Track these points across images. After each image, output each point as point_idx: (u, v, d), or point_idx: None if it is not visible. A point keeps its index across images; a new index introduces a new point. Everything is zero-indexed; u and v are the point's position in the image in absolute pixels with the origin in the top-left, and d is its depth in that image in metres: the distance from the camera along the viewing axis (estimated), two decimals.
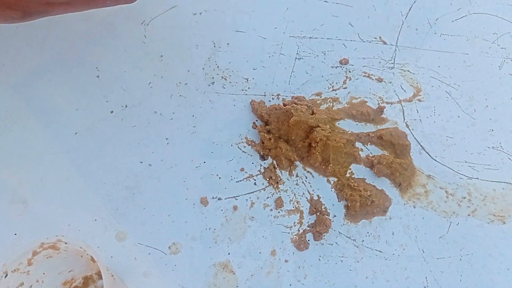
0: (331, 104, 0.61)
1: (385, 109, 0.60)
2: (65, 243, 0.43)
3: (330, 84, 0.62)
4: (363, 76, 0.63)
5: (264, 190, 0.57)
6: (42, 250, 0.43)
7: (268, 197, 0.57)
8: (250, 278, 0.54)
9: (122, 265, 0.55)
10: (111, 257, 0.55)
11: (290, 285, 0.54)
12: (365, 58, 0.64)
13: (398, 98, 0.61)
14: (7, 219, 0.56)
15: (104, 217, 0.56)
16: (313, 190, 0.57)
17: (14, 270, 0.43)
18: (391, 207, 0.56)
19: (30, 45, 0.64)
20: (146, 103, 0.61)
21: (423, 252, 0.55)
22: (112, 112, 0.61)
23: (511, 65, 0.63)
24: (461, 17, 0.66)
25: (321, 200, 0.57)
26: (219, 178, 0.58)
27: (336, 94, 0.62)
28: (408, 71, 0.63)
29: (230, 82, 0.62)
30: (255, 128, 0.60)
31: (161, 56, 0.64)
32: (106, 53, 0.63)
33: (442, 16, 0.66)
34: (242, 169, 0.58)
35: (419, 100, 0.61)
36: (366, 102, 0.61)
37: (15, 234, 0.56)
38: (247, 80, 0.62)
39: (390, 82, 0.62)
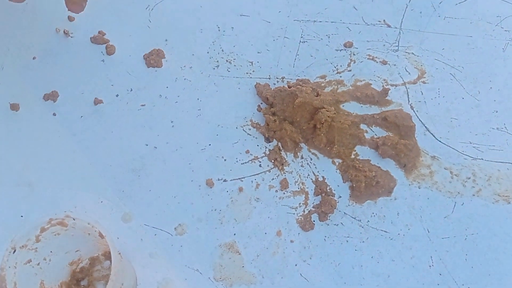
0: (336, 86, 0.61)
1: (389, 91, 0.60)
2: (73, 219, 0.43)
3: (335, 67, 0.62)
4: (368, 59, 0.63)
5: (269, 171, 0.58)
6: (50, 227, 0.43)
7: (273, 179, 0.57)
8: (256, 258, 0.54)
9: (129, 246, 0.55)
10: (118, 238, 0.55)
11: (296, 265, 0.54)
12: (369, 41, 0.64)
13: (403, 80, 0.61)
14: (14, 202, 0.56)
15: (110, 198, 0.56)
16: (318, 172, 0.58)
17: (22, 246, 0.43)
18: (396, 188, 0.57)
19: (35, 29, 0.64)
20: (151, 87, 0.62)
21: (428, 232, 0.55)
22: (117, 95, 0.61)
23: None
24: (465, 0, 0.66)
25: (326, 181, 0.57)
26: (225, 160, 0.58)
27: (340, 76, 0.62)
28: (413, 53, 0.63)
29: (235, 66, 0.62)
30: (259, 111, 0.60)
31: (166, 40, 0.64)
32: (112, 38, 0.64)
33: None
34: (247, 151, 0.58)
35: (424, 82, 0.61)
36: (371, 84, 0.61)
37: (22, 216, 0.56)
38: (252, 64, 0.63)
39: (395, 65, 0.62)
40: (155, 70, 0.62)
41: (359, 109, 0.60)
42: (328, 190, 0.57)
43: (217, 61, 0.63)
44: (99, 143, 0.59)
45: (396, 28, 0.64)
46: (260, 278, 0.54)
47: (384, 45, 0.64)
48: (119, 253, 0.46)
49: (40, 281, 0.46)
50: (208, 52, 0.63)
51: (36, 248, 0.44)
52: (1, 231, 0.54)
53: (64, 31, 0.64)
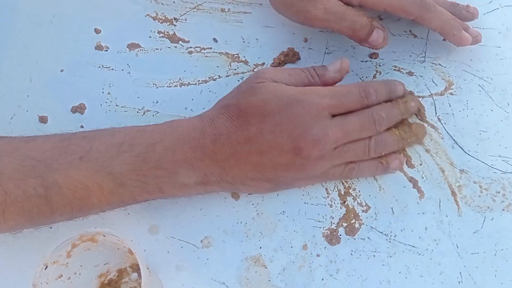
0: None
1: None
2: (103, 236, 0.43)
3: (360, 78, 0.62)
4: (393, 70, 0.62)
5: None
6: (81, 243, 0.44)
7: (298, 191, 0.57)
8: (282, 272, 0.54)
9: (156, 258, 0.55)
10: (144, 250, 0.56)
11: (322, 279, 0.54)
12: (395, 52, 0.63)
13: (430, 92, 0.61)
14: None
15: (137, 211, 0.57)
16: (345, 184, 0.57)
17: (54, 262, 0.44)
18: (423, 202, 0.56)
19: (62, 41, 0.65)
20: (177, 99, 0.62)
21: (457, 247, 0.54)
22: (143, 107, 0.62)
23: None
24: (493, 10, 0.65)
25: (352, 193, 0.57)
26: None
27: None
28: (440, 64, 0.62)
29: None
30: None
31: (190, 52, 0.64)
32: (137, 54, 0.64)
33: None
34: None
35: (451, 94, 0.61)
36: None
37: (50, 227, 0.57)
38: None
39: (421, 76, 0.62)
40: (180, 81, 0.63)
41: None
42: (356, 203, 0.56)
43: (243, 72, 0.63)
44: None
45: (422, 38, 0.64)
46: None
47: (410, 55, 0.63)
48: (147, 267, 0.47)
49: None
50: (230, 64, 0.63)
51: (67, 263, 0.45)
52: (31, 243, 0.55)
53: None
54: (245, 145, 0.50)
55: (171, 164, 0.50)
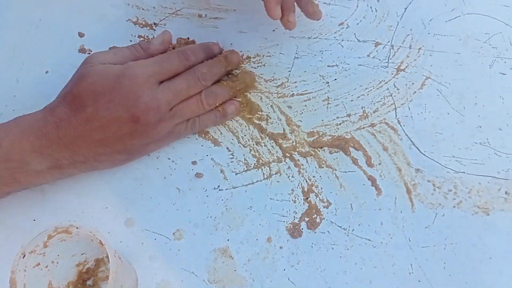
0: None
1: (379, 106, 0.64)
2: (77, 228, 0.48)
3: (327, 82, 0.66)
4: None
5: (261, 181, 0.62)
6: (56, 234, 0.48)
7: (265, 187, 0.61)
8: (247, 262, 0.59)
9: (131, 249, 0.60)
10: (121, 241, 0.60)
11: (284, 269, 0.58)
12: (360, 58, 0.67)
13: (391, 96, 0.65)
14: (27, 206, 0.61)
15: (114, 205, 0.61)
16: (308, 179, 0.61)
17: (31, 251, 0.48)
18: (381, 198, 0.60)
19: (48, 44, 0.69)
20: None
21: (410, 241, 0.58)
22: None
23: (501, 64, 0.65)
24: (455, 18, 0.68)
25: (315, 190, 0.61)
26: (220, 170, 0.62)
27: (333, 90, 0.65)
28: (402, 70, 0.66)
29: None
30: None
31: None
32: None
33: (436, 16, 0.68)
34: (243, 161, 0.62)
35: (411, 98, 0.64)
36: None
37: (34, 220, 0.61)
38: None
39: (383, 81, 0.65)
40: None
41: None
42: (317, 199, 0.60)
43: None
44: None
45: (387, 45, 0.67)
46: (251, 281, 0.58)
47: (374, 61, 0.67)
48: (120, 257, 0.51)
49: (48, 282, 0.51)
50: None
51: (44, 252, 0.49)
52: (15, 234, 0.60)
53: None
54: (86, 125, 0.54)
55: (19, 155, 0.53)
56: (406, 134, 0.63)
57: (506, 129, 0.62)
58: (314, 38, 0.68)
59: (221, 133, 0.64)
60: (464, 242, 0.58)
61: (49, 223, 0.60)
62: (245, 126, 0.65)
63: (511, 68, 0.65)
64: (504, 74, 0.65)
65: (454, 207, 0.60)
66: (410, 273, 0.57)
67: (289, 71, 0.67)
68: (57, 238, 0.49)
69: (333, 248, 0.59)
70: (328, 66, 0.67)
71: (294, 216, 0.60)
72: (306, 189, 0.61)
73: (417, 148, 0.62)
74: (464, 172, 0.61)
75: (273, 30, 0.69)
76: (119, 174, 0.62)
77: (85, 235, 0.48)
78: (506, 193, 0.60)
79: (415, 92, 0.65)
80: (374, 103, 0.65)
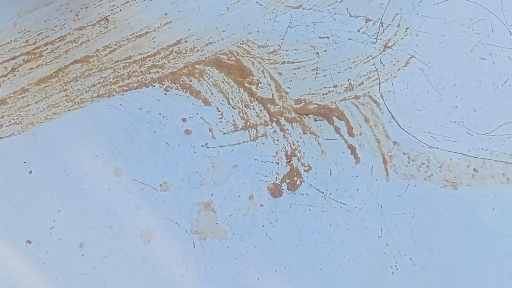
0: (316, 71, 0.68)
1: (364, 79, 0.67)
2: None
3: (317, 53, 0.69)
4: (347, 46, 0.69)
5: (247, 142, 0.65)
6: None
7: (250, 148, 0.64)
8: (229, 217, 0.62)
9: (118, 197, 0.62)
10: (109, 189, 0.62)
11: (263, 226, 0.62)
12: (351, 32, 0.70)
13: (377, 71, 0.68)
14: (18, 149, 0.63)
15: (104, 154, 0.63)
16: (292, 144, 0.65)
17: None
18: (358, 166, 0.64)
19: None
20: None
21: (381, 207, 0.62)
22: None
23: (482, 49, 0.69)
24: (443, 1, 0.71)
25: (298, 154, 0.64)
26: (209, 129, 0.65)
27: (322, 61, 0.68)
28: (389, 47, 0.69)
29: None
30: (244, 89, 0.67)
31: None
32: None
33: None
34: (232, 122, 0.65)
35: (395, 75, 0.68)
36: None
37: (24, 162, 0.63)
38: (242, 43, 0.69)
39: (371, 56, 0.68)
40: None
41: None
42: (299, 163, 0.64)
43: (211, 37, 0.69)
44: (98, 104, 0.65)
45: (376, 21, 0.70)
46: (231, 234, 0.61)
47: (364, 36, 0.69)
48: None
49: None
50: (206, 30, 0.69)
51: None
52: (6, 174, 0.62)
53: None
54: None
55: None
56: (387, 108, 0.66)
57: (481, 110, 0.66)
58: (309, 9, 0.71)
59: (212, 94, 0.67)
60: (432, 212, 0.62)
61: (39, 167, 0.63)
62: (236, 89, 0.67)
63: (491, 54, 0.68)
64: (483, 59, 0.68)
65: (425, 179, 0.64)
66: (379, 237, 0.61)
67: (281, 39, 0.69)
68: None
69: (310, 210, 0.62)
70: (319, 37, 0.69)
71: (276, 177, 0.64)
72: (289, 153, 0.64)
73: (396, 122, 0.66)
74: (437, 148, 0.65)
75: None
76: (111, 125, 0.65)
77: None
78: (474, 170, 0.64)
79: (399, 69, 0.68)
80: (360, 77, 0.68)
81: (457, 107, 0.67)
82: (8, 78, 0.66)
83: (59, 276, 0.59)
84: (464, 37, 0.70)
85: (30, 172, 0.62)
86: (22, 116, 0.65)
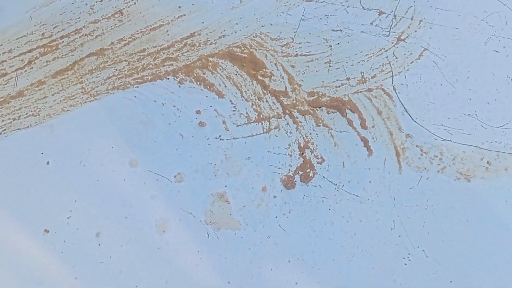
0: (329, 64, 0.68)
1: (377, 73, 0.67)
2: None
3: (330, 45, 0.69)
4: (361, 38, 0.69)
5: (260, 135, 0.65)
6: None
7: (263, 140, 0.65)
8: (242, 208, 0.63)
9: (133, 188, 0.63)
10: (124, 180, 0.63)
11: (276, 217, 0.62)
12: (364, 25, 0.70)
13: (390, 63, 0.68)
14: (36, 139, 0.64)
15: (120, 145, 0.64)
16: (305, 136, 0.65)
17: None
18: (371, 159, 0.64)
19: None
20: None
21: (394, 199, 0.63)
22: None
23: (496, 42, 0.69)
24: None
25: (311, 147, 0.65)
26: (223, 121, 0.66)
27: (335, 54, 0.68)
28: (402, 39, 0.69)
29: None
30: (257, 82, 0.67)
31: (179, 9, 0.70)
32: None
33: None
34: (245, 114, 0.66)
35: (408, 67, 0.68)
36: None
37: (42, 153, 0.64)
38: (255, 36, 0.69)
39: (383, 49, 0.69)
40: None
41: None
42: (312, 155, 0.64)
43: (224, 30, 0.69)
44: (114, 97, 0.66)
45: (390, 14, 0.70)
46: (244, 225, 0.62)
47: (377, 29, 0.70)
48: None
49: None
50: (219, 22, 0.70)
51: None
52: (24, 166, 0.63)
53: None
54: None
55: None
56: (400, 101, 0.66)
57: (494, 103, 0.66)
58: (321, 2, 0.71)
59: (226, 86, 0.67)
60: (445, 205, 0.63)
61: (56, 158, 0.64)
62: (249, 81, 0.67)
63: (505, 47, 0.68)
64: (497, 51, 0.68)
65: (438, 171, 0.64)
66: (392, 229, 0.62)
67: (294, 32, 0.69)
68: None
69: (323, 201, 0.63)
70: (332, 30, 0.70)
71: (289, 169, 0.64)
72: (302, 145, 0.65)
73: (409, 114, 0.66)
74: (450, 140, 0.65)
75: None
76: (126, 117, 0.65)
77: None
78: (488, 162, 0.64)
79: (412, 62, 0.68)
80: (373, 69, 0.68)
81: (470, 99, 0.67)
82: (25, 71, 0.67)
83: (76, 265, 0.60)
84: (478, 30, 0.70)
85: (47, 163, 0.63)
86: (39, 108, 0.66)
